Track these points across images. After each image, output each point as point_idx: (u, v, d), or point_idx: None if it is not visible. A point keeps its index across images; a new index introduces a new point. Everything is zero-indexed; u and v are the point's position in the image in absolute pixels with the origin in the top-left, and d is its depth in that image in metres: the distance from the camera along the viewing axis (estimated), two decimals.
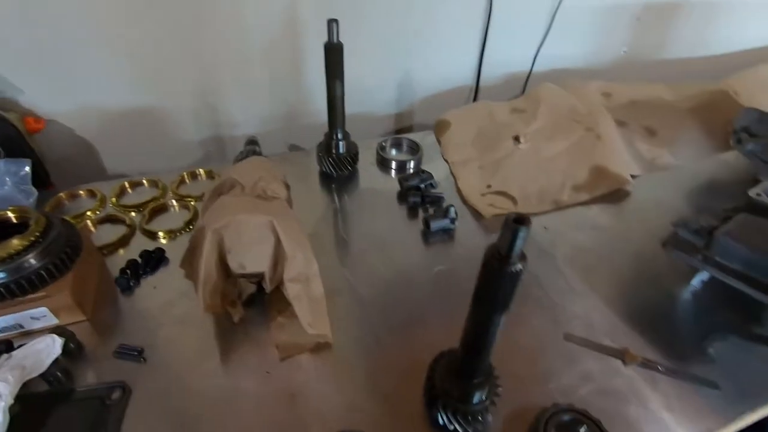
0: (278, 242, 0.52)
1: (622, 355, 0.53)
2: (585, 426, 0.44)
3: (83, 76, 0.79)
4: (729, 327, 0.58)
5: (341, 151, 0.80)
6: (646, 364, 0.52)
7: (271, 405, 0.47)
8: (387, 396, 0.49)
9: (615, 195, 0.80)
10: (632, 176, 0.83)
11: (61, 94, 0.80)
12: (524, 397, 0.48)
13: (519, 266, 0.31)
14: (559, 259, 0.67)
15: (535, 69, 1.14)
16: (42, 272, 0.50)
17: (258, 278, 0.57)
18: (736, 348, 0.55)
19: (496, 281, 0.33)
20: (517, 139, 0.89)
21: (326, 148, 0.80)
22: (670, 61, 1.30)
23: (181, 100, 0.88)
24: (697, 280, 0.62)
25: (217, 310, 0.53)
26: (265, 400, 0.48)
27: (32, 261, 0.50)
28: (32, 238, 0.50)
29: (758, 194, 0.61)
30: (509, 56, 1.10)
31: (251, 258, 0.53)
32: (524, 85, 1.17)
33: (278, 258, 0.54)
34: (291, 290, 0.52)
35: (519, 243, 0.29)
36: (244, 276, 0.56)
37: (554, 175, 0.83)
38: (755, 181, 0.67)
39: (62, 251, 0.52)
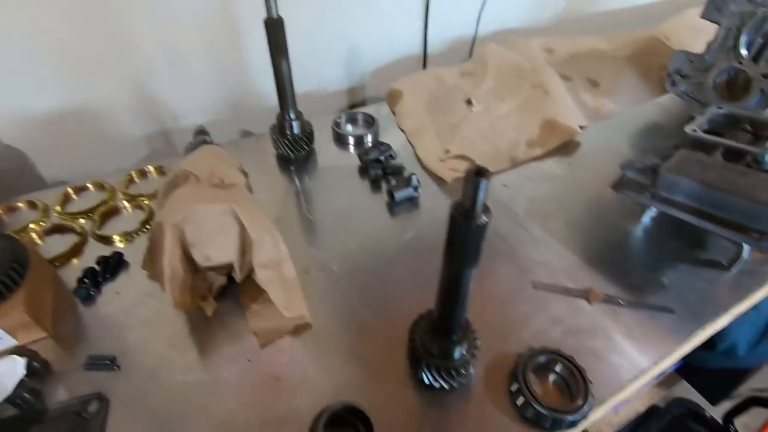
0: (242, 228, 0.51)
1: (586, 295, 0.56)
2: (560, 364, 0.47)
3: (4, 79, 0.72)
4: (677, 256, 0.62)
5: (296, 131, 0.78)
6: (608, 300, 0.56)
7: (256, 390, 0.47)
8: (372, 365, 0.50)
9: (566, 146, 0.84)
10: (580, 127, 0.86)
11: None
12: (501, 346, 0.51)
13: (484, 219, 0.32)
14: (520, 213, 0.69)
15: (479, 32, 1.15)
16: None
17: (227, 269, 0.56)
18: (685, 274, 0.60)
19: (464, 236, 0.34)
20: (469, 102, 0.90)
21: (280, 129, 0.78)
22: (605, 13, 1.35)
23: (115, 96, 0.82)
24: (647, 217, 0.66)
25: (188, 307, 0.52)
26: (249, 386, 0.48)
27: None
28: None
29: (694, 130, 0.65)
30: (453, 20, 1.10)
31: (216, 249, 0.52)
32: (470, 48, 1.17)
33: (245, 245, 0.53)
34: (262, 276, 0.51)
35: (481, 195, 0.30)
36: (211, 269, 0.54)
37: (508, 133, 0.85)
38: (691, 119, 0.72)
39: (8, 268, 0.49)
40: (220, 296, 0.56)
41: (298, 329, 0.53)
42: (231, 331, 0.53)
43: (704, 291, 0.58)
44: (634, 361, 0.50)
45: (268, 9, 0.65)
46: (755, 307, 0.80)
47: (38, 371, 0.49)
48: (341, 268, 0.61)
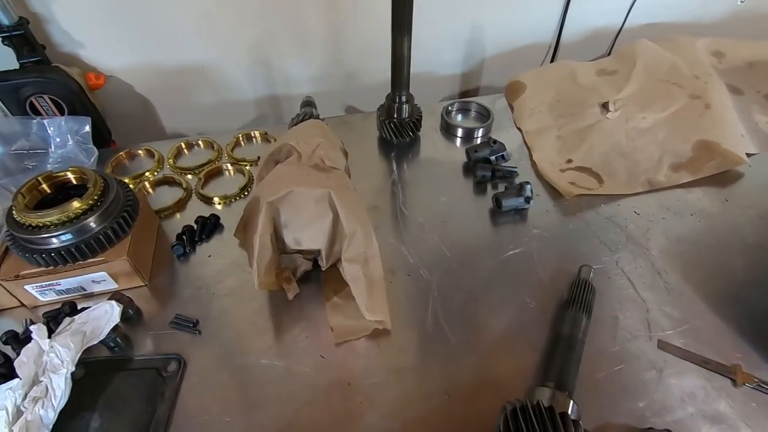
0: (336, 218, 0.48)
1: (733, 373, 0.45)
2: None
3: (144, 31, 0.77)
4: None
5: (404, 115, 0.72)
6: (763, 387, 0.44)
7: (325, 392, 0.45)
8: (451, 396, 0.44)
9: (724, 177, 0.68)
10: (747, 155, 0.69)
11: (121, 50, 0.78)
12: (609, 415, 0.42)
13: None
14: (654, 251, 0.58)
15: (627, 23, 0.98)
16: (101, 236, 0.49)
17: (314, 255, 0.53)
18: None
19: None
20: (605, 106, 0.77)
21: (388, 111, 0.73)
22: None
23: (237, 58, 0.84)
24: None
25: (271, 287, 0.50)
26: (319, 386, 0.45)
27: (92, 224, 0.49)
28: (91, 201, 0.49)
29: None
30: (598, 6, 0.95)
31: (308, 234, 0.49)
32: (612, 42, 1.01)
33: (336, 235, 0.49)
34: (349, 271, 0.48)
35: None
36: (299, 252, 0.52)
37: (649, 151, 0.71)
38: None
39: (120, 214, 0.51)
40: (303, 281, 0.54)
41: (376, 334, 0.49)
42: (309, 319, 0.51)
43: None
44: None
45: None
46: None
47: (131, 318, 0.51)
48: (430, 275, 0.55)
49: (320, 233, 0.49)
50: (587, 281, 0.51)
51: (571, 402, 0.38)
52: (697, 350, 0.47)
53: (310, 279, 0.55)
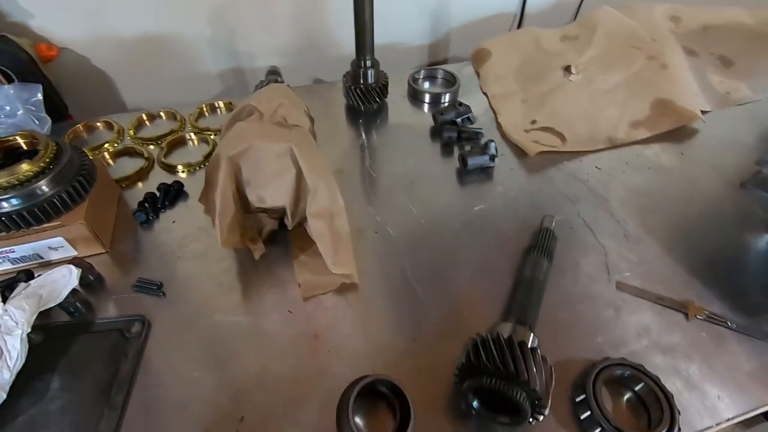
0: (299, 173, 0.48)
1: (685, 308, 0.47)
2: (642, 384, 0.40)
3: (99, 1, 0.73)
4: None
5: (370, 80, 0.72)
6: (713, 319, 0.46)
7: (293, 345, 0.45)
8: (417, 341, 0.45)
9: (679, 133, 0.70)
10: (702, 112, 0.72)
11: (75, 20, 0.75)
12: (570, 350, 0.44)
13: None
14: (613, 202, 0.59)
15: None
16: (55, 200, 0.47)
17: (279, 214, 0.53)
18: None
19: None
20: (567, 69, 0.78)
21: (354, 77, 0.73)
22: None
23: (199, 28, 0.81)
24: None
25: (235, 245, 0.50)
26: (287, 339, 0.45)
27: (44, 188, 0.47)
28: (42, 164, 0.47)
29: None
30: None
31: (271, 191, 0.49)
32: (576, 10, 1.03)
33: (300, 191, 0.49)
34: (314, 227, 0.48)
35: None
36: (263, 211, 0.52)
37: (610, 110, 0.73)
38: None
39: (75, 179, 0.49)
40: (270, 241, 0.54)
41: (344, 288, 0.49)
42: (276, 278, 0.51)
43: None
44: (735, 398, 0.41)
45: None
46: None
47: (92, 284, 0.50)
48: (398, 232, 0.56)
49: (283, 189, 0.48)
50: (549, 229, 0.52)
51: (531, 334, 0.39)
52: (652, 289, 0.49)
53: (277, 239, 0.54)
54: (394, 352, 0.44)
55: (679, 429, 0.37)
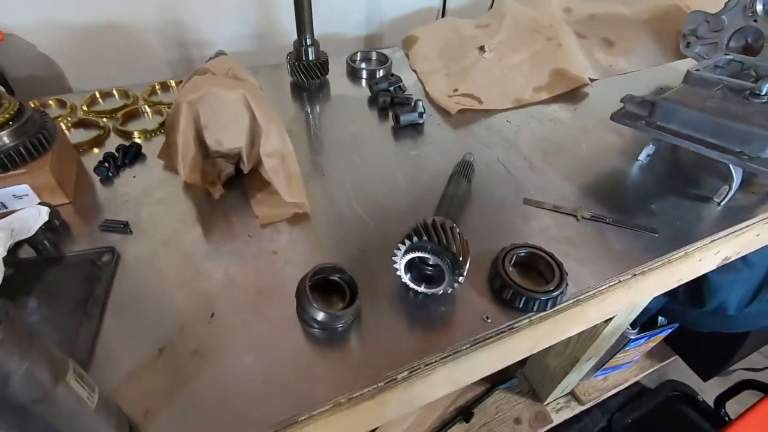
0: (253, 117, 0.55)
1: (575, 212, 0.59)
2: (541, 261, 0.50)
3: None
4: (670, 190, 0.64)
5: (311, 57, 0.81)
6: (595, 218, 0.58)
7: (254, 260, 0.51)
8: (364, 252, 0.53)
9: (573, 96, 0.85)
10: (591, 80, 0.88)
11: (19, 7, 0.78)
12: (486, 246, 0.54)
13: None
14: (522, 145, 0.72)
15: None
16: (20, 149, 0.51)
17: (236, 159, 0.59)
18: (675, 205, 0.62)
19: None
20: (482, 48, 0.92)
21: (297, 55, 0.81)
22: None
23: (146, 16, 0.86)
24: (644, 155, 0.68)
25: (196, 182, 0.55)
26: (248, 256, 0.51)
27: (6, 139, 0.51)
28: (7, 116, 0.51)
29: (697, 70, 0.66)
30: None
31: (228, 134, 0.55)
32: (491, 4, 1.19)
33: (254, 135, 0.56)
34: (268, 164, 0.55)
35: None
36: (221, 155, 0.58)
37: (517, 80, 0.87)
38: None
39: (38, 133, 0.53)
40: (228, 187, 0.60)
41: (298, 217, 0.57)
42: (236, 215, 0.57)
43: (691, 220, 0.59)
44: (608, 267, 0.52)
45: None
46: (748, 265, 0.82)
47: (58, 229, 0.53)
48: (344, 176, 0.64)
49: (239, 132, 0.55)
50: (468, 161, 0.63)
51: (453, 224, 0.49)
52: (552, 203, 0.61)
53: (234, 186, 0.61)
54: (344, 259, 0.52)
55: (567, 284, 0.47)
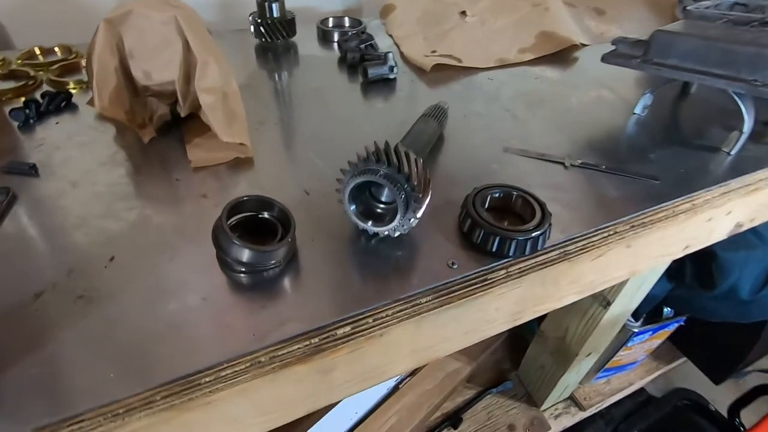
0: (186, 45, 0.47)
1: (563, 160, 0.51)
2: (520, 201, 0.42)
3: None
4: (671, 140, 0.56)
5: (275, 14, 0.74)
6: (588, 165, 0.50)
7: (177, 202, 0.43)
8: (311, 193, 0.45)
9: (563, 59, 0.78)
10: (582, 45, 0.81)
11: None
12: (455, 195, 0.45)
13: None
14: (504, 99, 0.64)
15: None
16: None
17: (171, 99, 0.52)
18: (678, 154, 0.54)
19: None
20: (463, 13, 0.86)
21: (260, 13, 0.75)
22: None
23: None
24: (640, 107, 0.60)
25: (117, 116, 0.48)
26: (171, 199, 0.43)
27: None
28: None
29: (696, 7, 0.60)
30: None
31: (157, 63, 0.48)
32: None
33: (189, 68, 0.49)
34: (205, 100, 0.47)
35: None
36: (154, 94, 0.51)
37: (501, 41, 0.80)
38: None
39: None
40: (165, 135, 0.52)
41: (239, 163, 0.49)
42: (168, 160, 0.49)
43: (697, 168, 0.51)
44: (606, 215, 0.44)
45: None
46: (761, 239, 0.73)
47: None
48: (302, 125, 0.56)
49: (170, 62, 0.48)
50: (440, 106, 0.55)
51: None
52: (536, 152, 0.53)
53: (171, 132, 0.53)
54: (288, 202, 0.43)
55: (550, 224, 0.39)
